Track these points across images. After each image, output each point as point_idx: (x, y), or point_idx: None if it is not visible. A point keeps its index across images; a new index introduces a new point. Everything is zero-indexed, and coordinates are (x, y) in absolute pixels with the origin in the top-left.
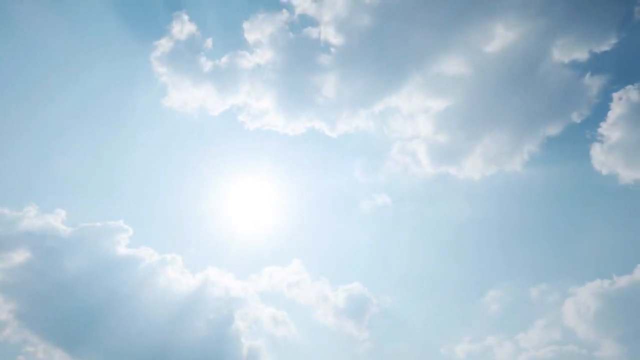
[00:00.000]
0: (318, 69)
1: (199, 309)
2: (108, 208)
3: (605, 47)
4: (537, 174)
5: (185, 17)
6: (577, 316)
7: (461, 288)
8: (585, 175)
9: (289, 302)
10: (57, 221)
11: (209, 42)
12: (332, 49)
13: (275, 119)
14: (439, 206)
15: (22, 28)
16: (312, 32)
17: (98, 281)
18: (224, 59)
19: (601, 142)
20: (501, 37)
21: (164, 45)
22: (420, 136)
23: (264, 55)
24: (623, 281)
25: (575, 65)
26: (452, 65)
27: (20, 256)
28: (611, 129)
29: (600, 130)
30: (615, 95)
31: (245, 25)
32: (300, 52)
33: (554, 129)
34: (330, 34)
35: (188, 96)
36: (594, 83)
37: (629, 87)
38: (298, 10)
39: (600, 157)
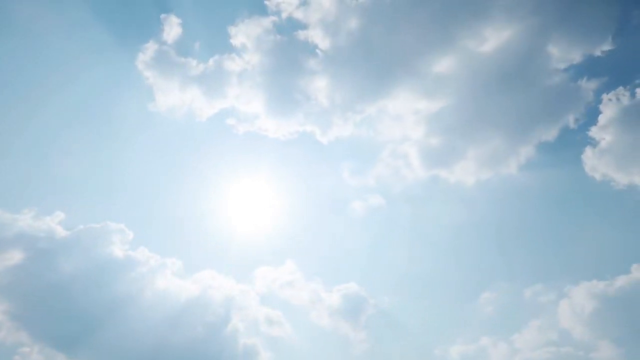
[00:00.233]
0: (307, 72)
1: (194, 310)
2: (103, 210)
3: (600, 51)
4: (532, 177)
5: (172, 21)
6: (572, 317)
7: (456, 289)
8: (579, 178)
9: (284, 302)
10: (53, 223)
11: (197, 45)
12: (321, 53)
13: (265, 122)
14: (432, 209)
15: (16, 31)
16: (300, 35)
17: (93, 282)
18: (212, 63)
19: (594, 145)
20: (494, 39)
21: (151, 49)
22: (413, 139)
23: (252, 59)
24: (618, 282)
25: (571, 68)
26: (445, 67)
27: (14, 257)
28: (602, 132)
29: (591, 133)
30: (604, 97)
31: (233, 29)
32: (289, 55)
33: (549, 133)
34: (318, 37)
35: (176, 100)
36: (589, 86)
37: (620, 88)
38: (285, 14)
39: (593, 161)
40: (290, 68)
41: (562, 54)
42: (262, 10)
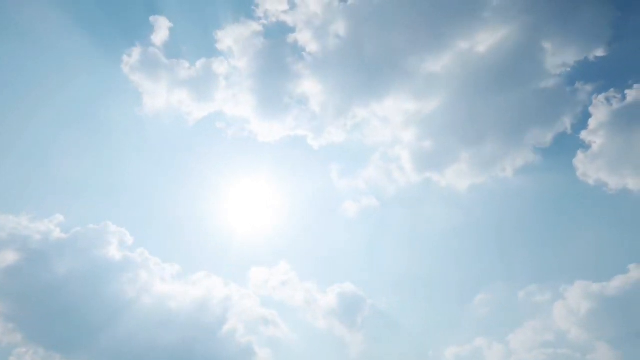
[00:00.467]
0: (296, 75)
1: (189, 311)
2: (99, 212)
3: (596, 54)
4: (526, 180)
5: (160, 25)
6: (567, 318)
7: (451, 291)
8: (573, 181)
9: (278, 302)
10: (50, 225)
11: (185, 49)
12: (309, 56)
13: (255, 126)
14: (426, 211)
15: (10, 33)
16: (289, 38)
17: (88, 284)
18: (200, 67)
19: (586, 148)
20: (487, 41)
21: (139, 52)
22: (405, 142)
23: (240, 63)
24: (614, 283)
25: (566, 71)
26: (437, 70)
27: (10, 258)
28: (593, 136)
29: (584, 136)
30: (595, 100)
31: (221, 32)
32: (277, 59)
33: (543, 136)
34: (307, 41)
35: (165, 103)
36: (585, 89)
37: (611, 90)
38: (273, 18)
39: (586, 164)
40: (279, 71)
41: (557, 56)
42: (250, 14)
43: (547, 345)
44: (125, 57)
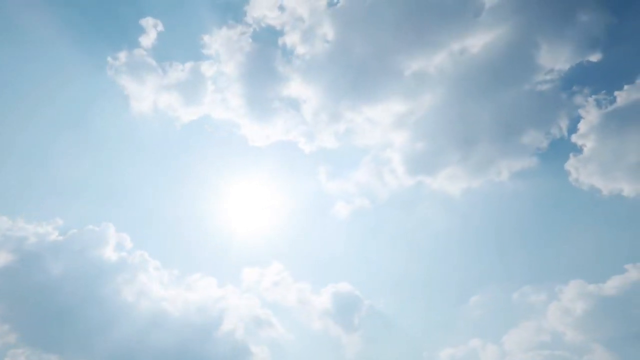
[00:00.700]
0: (286, 79)
1: (185, 312)
2: (94, 214)
3: (591, 57)
4: (521, 184)
5: (149, 28)
6: (562, 320)
7: (445, 292)
8: (567, 184)
9: (272, 302)
10: (47, 227)
11: (175, 52)
12: (299, 60)
13: (246, 129)
14: (419, 214)
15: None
16: (278, 42)
17: (84, 285)
18: (189, 70)
19: (578, 152)
20: (479, 46)
21: (127, 55)
22: (396, 145)
23: (229, 66)
24: (610, 284)
25: (561, 74)
26: (429, 73)
27: (4, 260)
28: (583, 139)
29: (574, 140)
30: (586, 103)
31: (210, 36)
32: (267, 62)
33: (539, 140)
34: (297, 45)
35: (155, 106)
36: (579, 93)
37: (601, 93)
38: (261, 22)
39: (578, 167)
40: (268, 75)
41: (552, 59)
42: (239, 18)
43: (543, 346)
44: (113, 61)
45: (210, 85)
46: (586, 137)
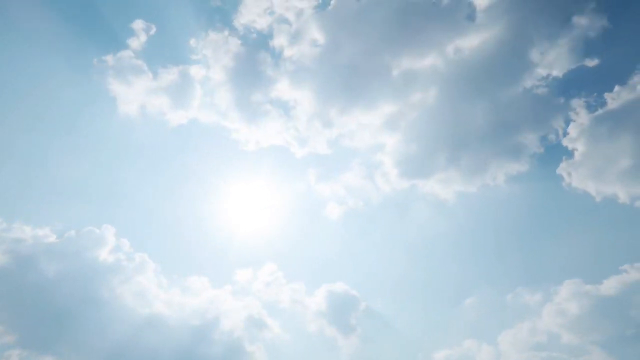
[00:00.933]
0: (277, 82)
1: (180, 313)
2: (89, 216)
3: (585, 62)
4: (515, 188)
5: (139, 31)
6: (557, 321)
7: (440, 295)
8: (560, 188)
9: (265, 303)
10: (45, 229)
11: (165, 55)
12: (291, 64)
13: (236, 132)
14: (413, 217)
15: None
16: (268, 46)
17: (80, 286)
18: (179, 74)
19: (569, 156)
20: (472, 49)
21: (117, 57)
22: (389, 148)
23: (217, 70)
24: (605, 286)
25: (556, 78)
26: (422, 75)
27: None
28: (574, 143)
29: (565, 143)
30: (576, 107)
31: (200, 40)
32: (257, 66)
33: (533, 143)
34: (287, 49)
35: (144, 108)
36: (572, 97)
37: (592, 96)
38: (251, 26)
39: (570, 171)
40: (258, 79)
41: (545, 62)
42: (229, 22)
43: (539, 347)
44: (102, 63)
45: (200, 89)
46: (577, 141)
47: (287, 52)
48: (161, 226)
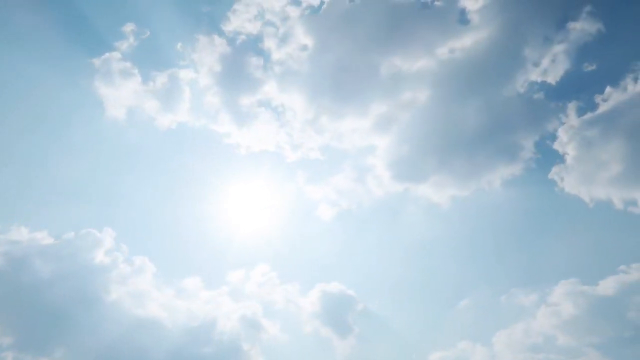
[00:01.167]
0: (266, 86)
1: (174, 315)
2: (85, 218)
3: (580, 65)
4: (510, 192)
5: (129, 34)
6: (552, 323)
7: (435, 297)
8: (554, 193)
9: (262, 304)
10: (37, 232)
11: (156, 59)
12: (279, 67)
13: (227, 136)
14: (407, 219)
15: None
16: (259, 50)
17: (75, 288)
18: (169, 78)
19: (562, 160)
20: (464, 51)
21: (106, 60)
22: (383, 151)
23: (208, 74)
24: (602, 287)
25: (548, 81)
26: (415, 78)
27: None
28: (566, 147)
29: (557, 147)
30: (569, 111)
31: (191, 43)
32: (247, 70)
33: (527, 147)
34: (277, 52)
35: (133, 111)
36: (563, 100)
37: (583, 100)
38: (241, 30)
39: (563, 176)
40: (248, 82)
41: (537, 65)
42: (219, 26)
43: (535, 349)
44: (92, 65)
45: (189, 92)
46: (568, 145)
47: (277, 56)
48: (155, 229)
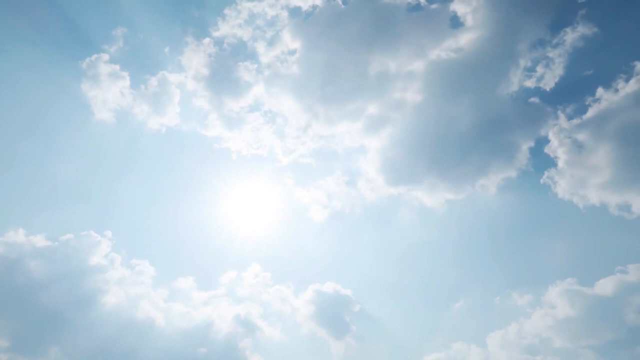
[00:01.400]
0: (256, 89)
1: (170, 317)
2: (80, 220)
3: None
4: (504, 196)
5: (118, 38)
6: (548, 324)
7: (430, 299)
8: (546, 196)
9: (256, 304)
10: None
11: (146, 62)
12: (268, 71)
13: (218, 139)
14: (401, 222)
15: None
16: (249, 54)
17: (70, 290)
18: (158, 82)
19: (554, 164)
20: (458, 53)
21: (95, 63)
22: (375, 153)
23: (198, 78)
24: (596, 288)
25: (540, 86)
26: (408, 80)
27: None
28: (558, 151)
29: (550, 152)
30: (560, 115)
31: (180, 47)
32: (237, 74)
33: (521, 151)
34: (268, 56)
35: (124, 114)
36: (555, 105)
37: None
38: (231, 34)
39: (556, 180)
40: (237, 87)
41: (533, 71)
42: (209, 30)
43: (531, 351)
44: (81, 68)
45: (179, 96)
46: (559, 149)
47: (267, 60)
48: (148, 232)
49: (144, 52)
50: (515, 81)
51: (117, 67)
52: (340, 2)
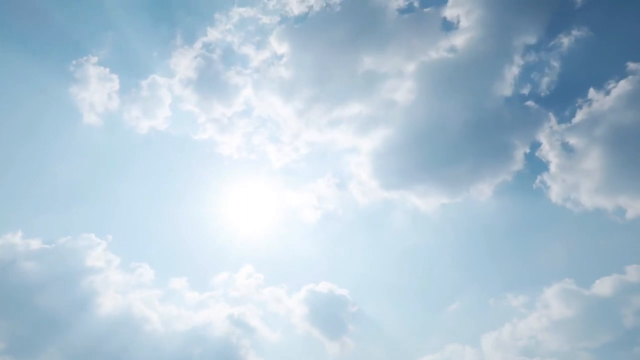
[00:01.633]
0: (248, 92)
1: (166, 319)
2: (76, 222)
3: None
4: (500, 200)
5: (108, 42)
6: (543, 326)
7: (425, 301)
8: (540, 201)
9: (252, 305)
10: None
11: (137, 65)
12: (257, 75)
13: (210, 141)
14: (396, 225)
15: None
16: (240, 57)
17: (65, 293)
18: (148, 85)
19: (546, 168)
20: (450, 59)
21: (86, 65)
22: (370, 155)
23: (186, 81)
24: (593, 290)
25: (533, 88)
26: (403, 83)
27: None
28: (550, 155)
29: (542, 155)
30: (551, 118)
31: (170, 51)
32: (226, 77)
33: (517, 155)
34: (260, 61)
35: (115, 116)
36: (546, 108)
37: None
38: (220, 38)
39: (550, 184)
40: (228, 90)
41: (524, 71)
42: (199, 34)
43: (526, 352)
44: (70, 71)
45: (169, 100)
46: (551, 153)
47: (257, 64)
48: (142, 234)
49: (134, 55)
50: (509, 84)
51: (107, 70)
52: (331, 6)
